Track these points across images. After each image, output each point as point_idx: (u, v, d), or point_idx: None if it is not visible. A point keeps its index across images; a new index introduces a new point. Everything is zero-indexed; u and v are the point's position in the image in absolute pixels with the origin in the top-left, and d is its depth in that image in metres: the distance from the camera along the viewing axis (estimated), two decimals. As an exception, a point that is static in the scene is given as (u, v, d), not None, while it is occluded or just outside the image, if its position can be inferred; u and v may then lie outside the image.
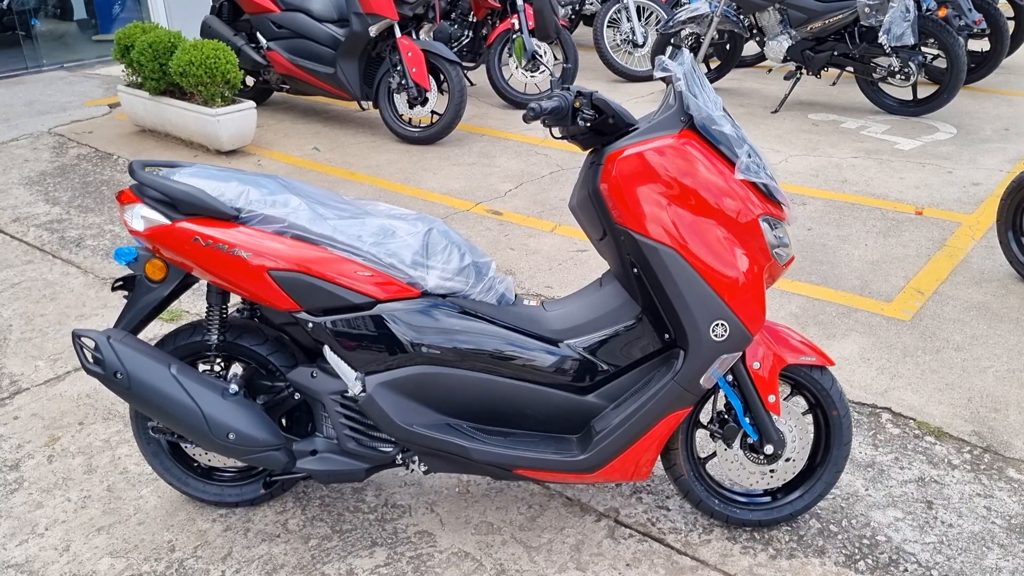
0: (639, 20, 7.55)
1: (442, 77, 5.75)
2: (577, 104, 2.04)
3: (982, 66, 6.90)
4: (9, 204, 4.87)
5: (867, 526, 2.46)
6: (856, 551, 2.37)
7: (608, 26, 7.53)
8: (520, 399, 2.22)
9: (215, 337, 2.29)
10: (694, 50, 6.86)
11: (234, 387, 2.25)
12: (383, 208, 2.30)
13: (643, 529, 2.46)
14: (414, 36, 5.88)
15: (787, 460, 2.34)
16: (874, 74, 6.17)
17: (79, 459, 2.76)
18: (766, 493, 2.45)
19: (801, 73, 6.52)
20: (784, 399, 2.34)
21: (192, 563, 2.34)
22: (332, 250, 2.13)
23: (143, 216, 2.15)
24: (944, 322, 3.56)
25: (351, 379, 2.19)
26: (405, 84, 5.67)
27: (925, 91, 6.32)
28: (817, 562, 2.34)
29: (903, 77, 6.04)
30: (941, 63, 6.15)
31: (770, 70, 7.51)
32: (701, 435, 2.67)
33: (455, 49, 6.86)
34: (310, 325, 2.15)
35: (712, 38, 6.66)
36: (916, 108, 6.34)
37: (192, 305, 3.67)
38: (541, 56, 6.41)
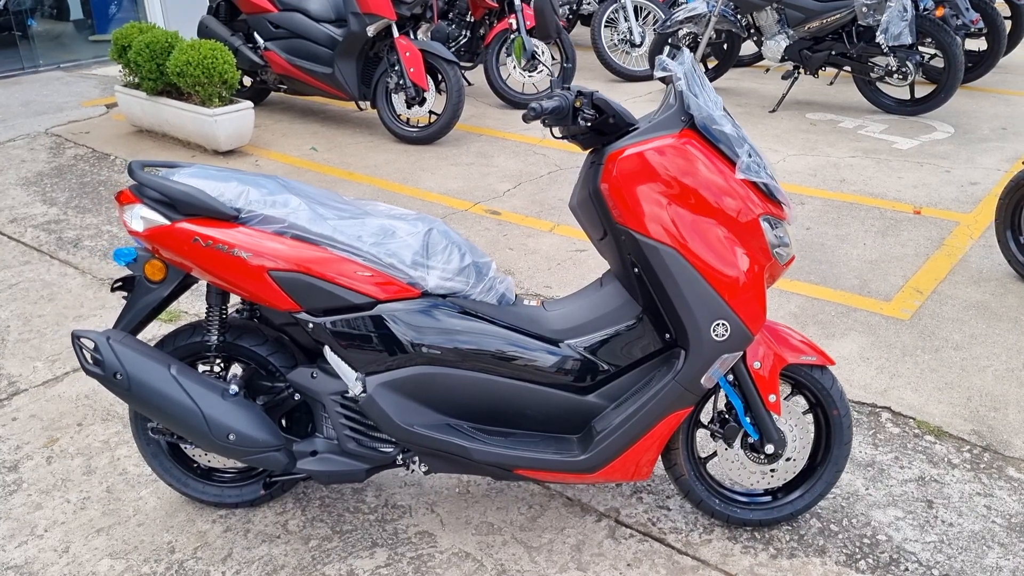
0: (636, 20, 7.55)
1: (440, 77, 5.74)
2: (578, 104, 2.04)
3: (979, 65, 6.92)
4: (6, 205, 4.86)
5: (867, 525, 2.47)
6: (857, 550, 2.38)
7: (606, 26, 7.54)
8: (520, 399, 2.22)
9: (215, 338, 2.29)
10: (692, 50, 6.86)
11: (234, 388, 2.24)
12: (383, 208, 2.30)
13: (644, 529, 2.46)
14: (412, 36, 5.87)
15: (788, 460, 2.34)
16: (872, 73, 6.18)
17: (78, 460, 2.75)
18: (767, 493, 2.45)
19: (799, 73, 6.53)
20: (784, 399, 2.34)
21: (192, 564, 2.33)
22: (332, 250, 2.12)
23: (142, 217, 2.14)
24: (943, 321, 3.56)
25: (351, 379, 2.19)
26: (403, 84, 5.67)
27: (923, 90, 6.33)
28: (818, 561, 2.34)
29: (901, 76, 6.04)
30: (938, 62, 6.15)
31: (768, 70, 7.51)
32: (702, 435, 2.67)
33: (453, 49, 6.85)
34: (310, 325, 2.15)
35: (710, 38, 6.67)
36: (914, 107, 6.35)
37: (192, 306, 3.66)
38: (540, 56, 6.41)
